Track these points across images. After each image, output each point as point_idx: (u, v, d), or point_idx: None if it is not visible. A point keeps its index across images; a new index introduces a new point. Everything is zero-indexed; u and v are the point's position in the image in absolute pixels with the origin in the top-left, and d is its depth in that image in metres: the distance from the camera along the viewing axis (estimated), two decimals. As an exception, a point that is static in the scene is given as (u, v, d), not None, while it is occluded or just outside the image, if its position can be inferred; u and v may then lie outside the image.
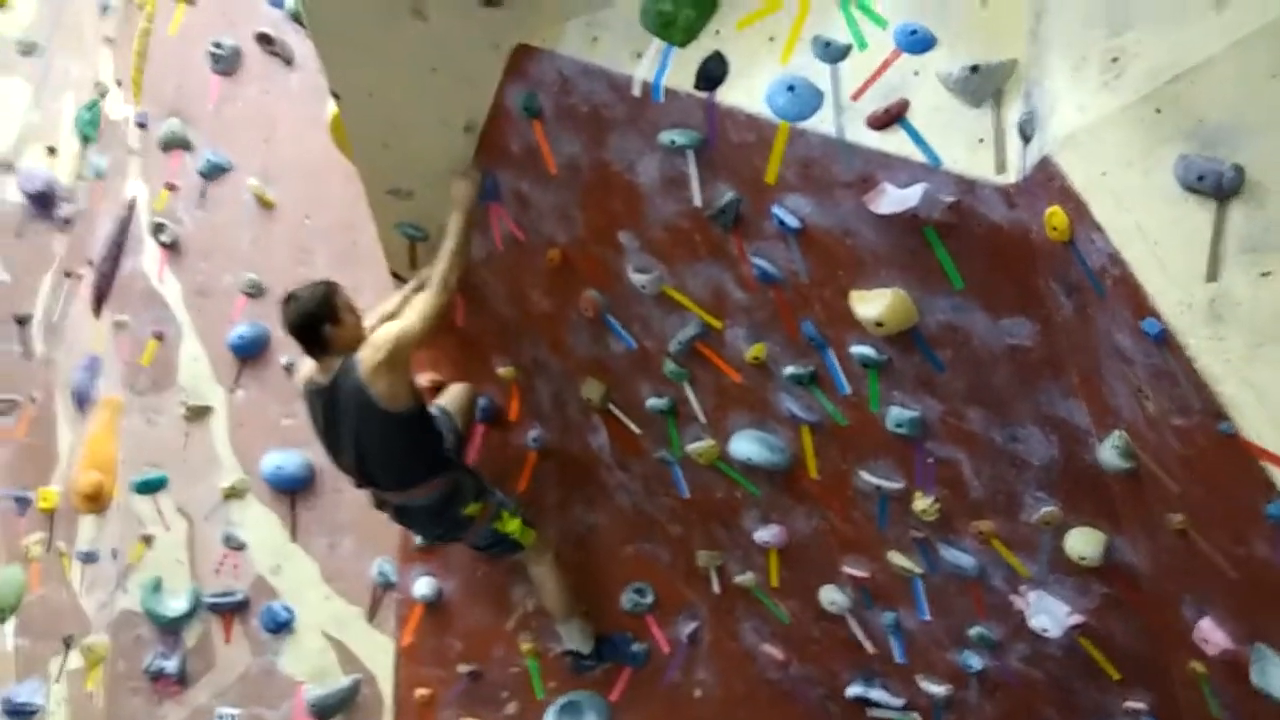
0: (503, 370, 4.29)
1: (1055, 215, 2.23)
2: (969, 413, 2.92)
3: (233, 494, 4.88)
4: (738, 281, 3.17)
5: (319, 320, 3.62)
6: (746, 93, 2.75)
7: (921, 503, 3.22)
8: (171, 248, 5.09)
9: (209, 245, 5.06)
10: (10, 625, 5.59)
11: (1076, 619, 3.10)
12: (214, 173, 5.05)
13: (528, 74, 3.20)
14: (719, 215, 3.00)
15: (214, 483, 4.91)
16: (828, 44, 2.60)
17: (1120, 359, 2.30)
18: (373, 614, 4.70)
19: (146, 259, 5.16)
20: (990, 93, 2.38)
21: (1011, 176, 2.36)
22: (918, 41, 2.46)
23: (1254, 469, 2.07)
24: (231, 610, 4.84)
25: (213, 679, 4.87)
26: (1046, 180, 2.21)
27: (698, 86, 2.84)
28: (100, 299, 5.38)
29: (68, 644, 5.26)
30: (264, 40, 4.94)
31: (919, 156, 2.48)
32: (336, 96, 3.48)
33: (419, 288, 3.91)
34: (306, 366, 3.85)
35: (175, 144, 5.11)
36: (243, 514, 4.89)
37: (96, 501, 5.21)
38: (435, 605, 4.52)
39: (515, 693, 4.51)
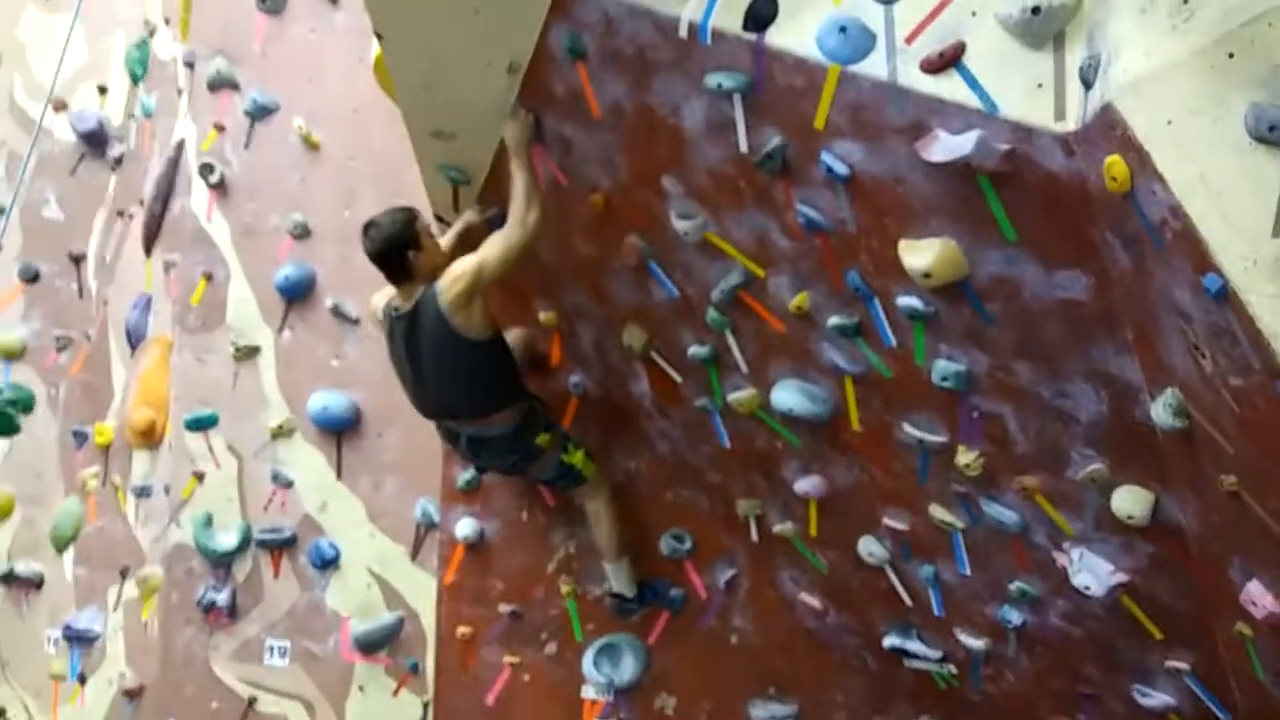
0: (544, 315, 4.29)
1: (1115, 165, 2.15)
2: (1017, 367, 2.86)
3: (280, 433, 4.98)
4: (783, 229, 3.12)
5: (403, 245, 3.64)
6: (796, 35, 2.67)
7: (965, 457, 3.18)
8: (219, 188, 5.12)
9: (256, 186, 5.10)
10: (69, 555, 5.79)
11: (1121, 578, 3.07)
12: (260, 113, 5.07)
13: (572, 15, 3.13)
14: (765, 161, 2.94)
15: (262, 421, 5.01)
16: (882, -17, 2.51)
17: (1177, 315, 2.23)
18: (416, 552, 4.80)
19: (195, 199, 5.20)
20: (1051, 35, 2.29)
21: (1071, 124, 2.27)
22: (976, -19, 2.36)
23: (1313, 432, 2.01)
24: (280, 546, 4.96)
25: (262, 612, 5.01)
26: (1107, 128, 2.12)
27: (746, 28, 2.76)
28: (151, 239, 5.44)
29: (124, 575, 5.44)
30: (310, -22, 4.92)
31: (974, 102, 2.40)
32: (380, 37, 3.44)
33: (464, 231, 3.92)
34: (380, 297, 3.89)
35: (222, 83, 5.12)
36: (290, 453, 4.99)
37: (149, 437, 5.34)
38: (477, 546, 4.59)
39: (555, 634, 4.59)
